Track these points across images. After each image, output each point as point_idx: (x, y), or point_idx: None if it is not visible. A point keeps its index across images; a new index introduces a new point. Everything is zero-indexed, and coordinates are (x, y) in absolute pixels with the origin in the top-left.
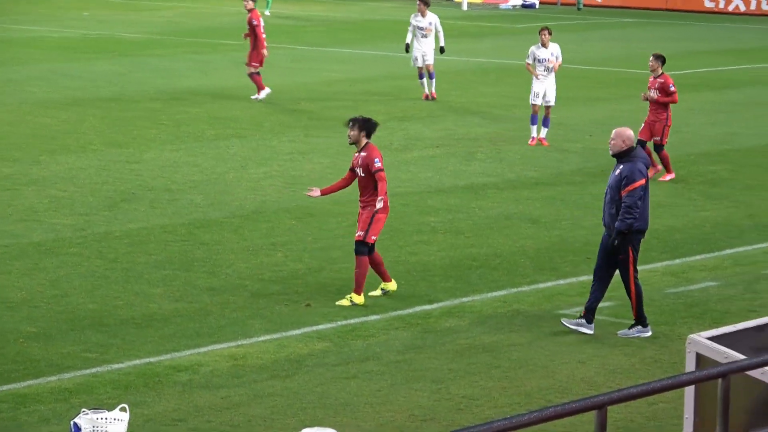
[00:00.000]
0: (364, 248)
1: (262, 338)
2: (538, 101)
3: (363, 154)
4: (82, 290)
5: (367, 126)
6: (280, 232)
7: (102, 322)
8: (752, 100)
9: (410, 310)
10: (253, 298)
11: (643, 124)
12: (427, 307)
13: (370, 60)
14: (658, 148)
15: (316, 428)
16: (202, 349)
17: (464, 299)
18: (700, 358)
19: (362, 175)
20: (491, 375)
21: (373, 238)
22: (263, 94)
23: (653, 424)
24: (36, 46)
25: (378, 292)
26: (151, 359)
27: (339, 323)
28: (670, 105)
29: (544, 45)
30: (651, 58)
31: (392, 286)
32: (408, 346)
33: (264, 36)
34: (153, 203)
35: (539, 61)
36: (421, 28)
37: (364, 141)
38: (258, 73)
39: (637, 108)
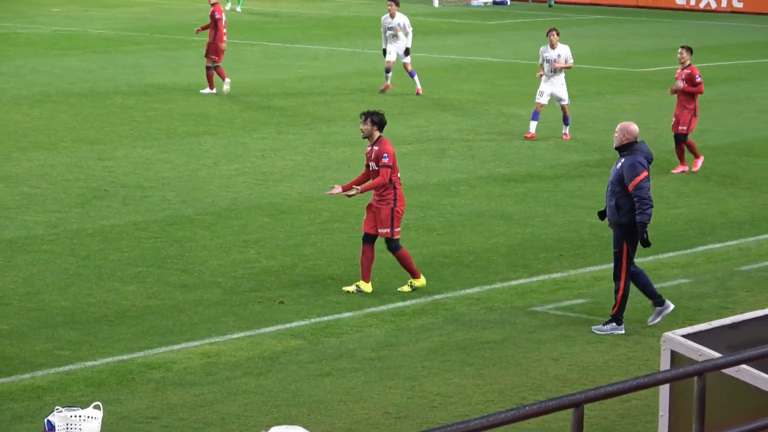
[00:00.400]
0: (394, 244)
1: (235, 335)
2: (542, 100)
3: (376, 147)
4: (54, 288)
5: (379, 120)
6: (252, 229)
7: (75, 319)
8: (724, 97)
9: (383, 308)
10: (226, 295)
11: (673, 119)
12: (400, 304)
13: (341, 57)
14: (682, 137)
15: (285, 426)
16: (175, 347)
17: (437, 296)
18: (674, 355)
19: (376, 168)
20: (465, 372)
21: (397, 230)
22: (207, 91)
23: (627, 422)
24: (6, 43)
25: (352, 288)
26: (124, 357)
27: (312, 320)
28: (697, 96)
29: (552, 46)
30: (680, 49)
31: (368, 288)
32: (381, 344)
33: (225, 31)
34: (125, 200)
35: (547, 61)
36: (390, 29)
37: (377, 134)
38: (212, 68)
39: (609, 105)
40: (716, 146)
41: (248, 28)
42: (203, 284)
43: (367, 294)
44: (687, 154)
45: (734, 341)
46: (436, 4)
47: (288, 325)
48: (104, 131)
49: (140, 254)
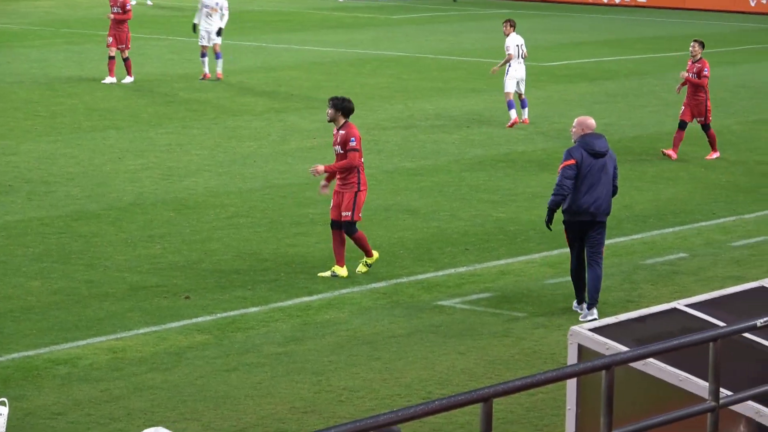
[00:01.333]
0: (353, 227)
1: (141, 331)
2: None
3: (342, 132)
4: None
5: (342, 105)
6: (158, 224)
7: None
8: (629, 91)
9: (290, 302)
10: (132, 290)
11: (683, 107)
12: (306, 298)
13: (245, 51)
14: (705, 128)
15: (152, 428)
16: (81, 342)
17: (344, 291)
18: (581, 349)
19: (341, 152)
20: (371, 366)
21: (359, 216)
22: (110, 80)
23: (533, 415)
24: None
25: (327, 274)
26: (30, 352)
27: (218, 315)
28: (707, 85)
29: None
30: (692, 43)
31: (344, 272)
32: (288, 338)
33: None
34: (30, 195)
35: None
36: (207, 6)
37: (342, 120)
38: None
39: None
40: (620, 140)
41: (154, 22)
42: (109, 280)
43: (273, 287)
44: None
45: (641, 335)
46: None
47: (194, 320)
48: (8, 126)
49: (45, 250)
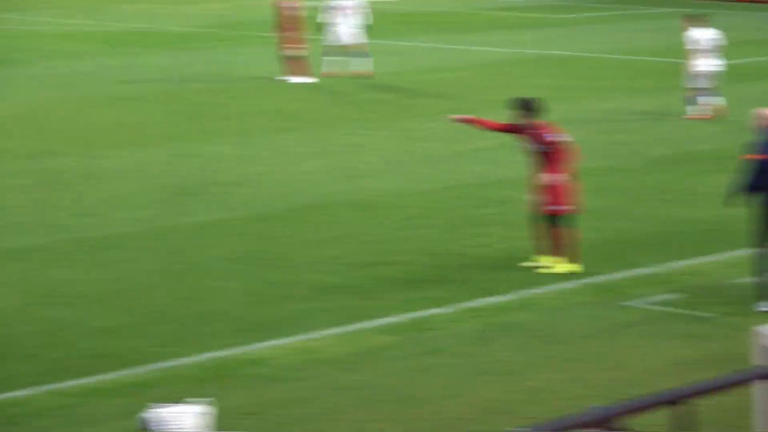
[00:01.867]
0: (564, 219)
1: (331, 331)
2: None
3: (538, 132)
4: (151, 285)
5: (531, 106)
6: (342, 225)
7: (173, 315)
8: None
9: (476, 302)
10: (319, 291)
11: None
12: (492, 299)
13: (417, 52)
14: None
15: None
16: (273, 343)
17: (529, 291)
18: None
19: (540, 151)
20: (560, 367)
21: (569, 207)
22: (294, 79)
23: (722, 416)
24: (79, 40)
25: (544, 268)
26: (222, 353)
27: (405, 316)
28: None
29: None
30: None
31: (548, 261)
32: (476, 339)
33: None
34: (215, 197)
35: None
36: (344, 7)
37: (531, 120)
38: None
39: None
40: None
41: None
42: (297, 280)
43: (458, 288)
44: None
45: None
46: None
47: (382, 321)
48: (190, 128)
49: (234, 251)
